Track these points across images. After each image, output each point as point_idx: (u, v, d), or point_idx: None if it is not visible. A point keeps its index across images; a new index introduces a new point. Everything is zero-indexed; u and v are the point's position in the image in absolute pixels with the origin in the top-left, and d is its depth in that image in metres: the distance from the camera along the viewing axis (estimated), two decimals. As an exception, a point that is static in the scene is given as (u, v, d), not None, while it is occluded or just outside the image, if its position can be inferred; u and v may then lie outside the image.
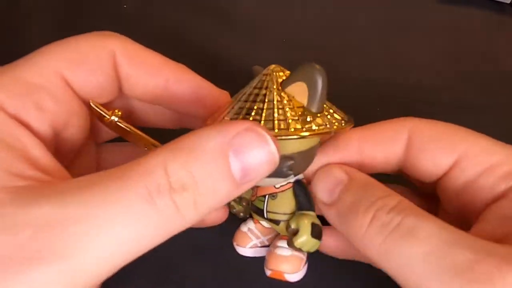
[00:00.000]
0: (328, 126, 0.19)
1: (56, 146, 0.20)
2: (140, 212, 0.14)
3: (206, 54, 0.35)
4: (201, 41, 0.36)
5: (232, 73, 0.34)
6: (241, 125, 0.15)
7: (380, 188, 0.19)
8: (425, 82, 0.35)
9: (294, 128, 0.18)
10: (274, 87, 0.19)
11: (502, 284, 0.14)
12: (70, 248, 0.14)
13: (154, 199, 0.14)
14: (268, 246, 0.22)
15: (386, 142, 0.21)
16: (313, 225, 0.20)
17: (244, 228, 0.22)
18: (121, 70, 0.21)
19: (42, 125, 0.18)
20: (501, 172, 0.18)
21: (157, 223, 0.14)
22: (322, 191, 0.20)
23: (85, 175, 0.15)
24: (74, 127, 0.20)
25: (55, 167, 0.17)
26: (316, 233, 0.20)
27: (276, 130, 0.17)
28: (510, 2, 0.39)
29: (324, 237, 0.20)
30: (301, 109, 0.18)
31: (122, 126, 0.21)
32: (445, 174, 0.20)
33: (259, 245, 0.22)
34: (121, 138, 0.23)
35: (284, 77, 0.19)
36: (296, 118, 0.18)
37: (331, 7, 0.39)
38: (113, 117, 0.21)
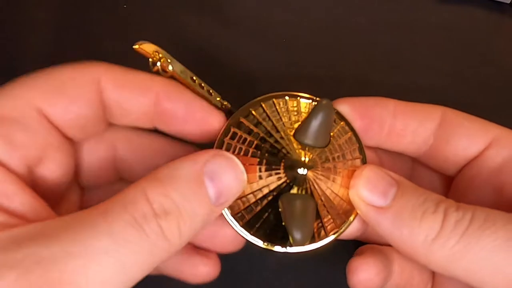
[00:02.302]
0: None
1: (35, 183, 0.19)
2: (130, 239, 0.14)
3: (206, 54, 0.35)
4: (201, 41, 0.36)
5: (232, 73, 0.34)
6: (210, 152, 0.17)
7: (432, 192, 0.18)
8: (424, 82, 0.35)
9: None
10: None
11: None
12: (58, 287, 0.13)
13: (142, 225, 0.14)
14: None
15: (421, 115, 0.21)
16: None
17: None
18: (107, 96, 0.19)
19: (12, 159, 0.17)
20: None
21: (147, 249, 0.15)
22: (374, 194, 0.18)
23: (69, 214, 0.15)
24: (53, 162, 0.19)
25: (35, 203, 0.16)
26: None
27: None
28: (510, 2, 0.39)
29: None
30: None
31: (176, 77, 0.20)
32: (475, 159, 0.20)
33: None
34: (108, 179, 0.23)
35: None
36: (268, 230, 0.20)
37: (331, 7, 0.39)
38: (158, 63, 0.19)
